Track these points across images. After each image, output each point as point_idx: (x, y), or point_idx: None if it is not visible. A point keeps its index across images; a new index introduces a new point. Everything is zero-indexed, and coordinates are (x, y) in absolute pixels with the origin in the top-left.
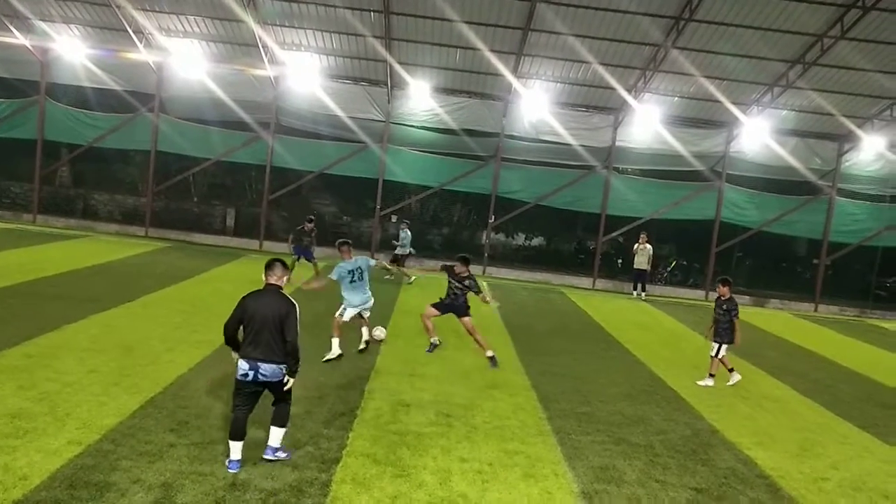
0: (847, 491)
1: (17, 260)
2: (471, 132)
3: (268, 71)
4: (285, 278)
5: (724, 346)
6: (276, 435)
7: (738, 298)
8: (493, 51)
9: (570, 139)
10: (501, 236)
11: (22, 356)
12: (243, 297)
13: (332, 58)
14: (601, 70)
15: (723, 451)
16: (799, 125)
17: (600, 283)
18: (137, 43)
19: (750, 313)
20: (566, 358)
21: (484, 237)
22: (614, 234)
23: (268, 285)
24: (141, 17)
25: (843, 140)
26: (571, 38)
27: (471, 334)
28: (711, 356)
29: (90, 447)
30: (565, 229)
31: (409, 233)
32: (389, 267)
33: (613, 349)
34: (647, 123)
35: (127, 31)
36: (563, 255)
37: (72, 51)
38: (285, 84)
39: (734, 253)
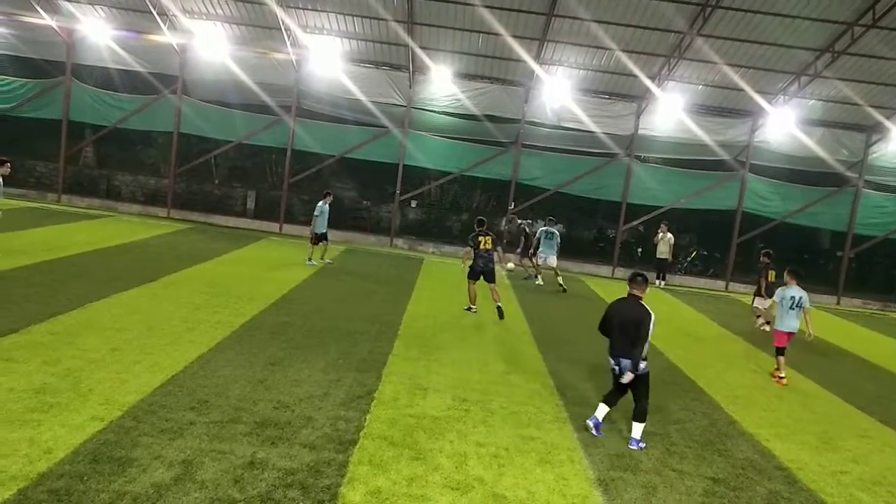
0: (867, 485)
1: (42, 238)
2: (492, 118)
3: (290, 54)
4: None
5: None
6: (637, 429)
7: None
8: (515, 36)
9: (592, 126)
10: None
11: (47, 333)
12: (611, 304)
13: (355, 41)
14: (624, 57)
15: (740, 441)
16: (826, 115)
17: (620, 272)
18: (161, 25)
19: (771, 306)
20: (584, 346)
21: (503, 223)
22: (635, 222)
23: (632, 296)
24: None
25: (871, 131)
26: (595, 24)
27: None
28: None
29: (112, 423)
30: (585, 217)
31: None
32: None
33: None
34: (670, 112)
35: (151, 12)
36: (583, 243)
37: (97, 32)
38: (307, 67)
39: (756, 244)
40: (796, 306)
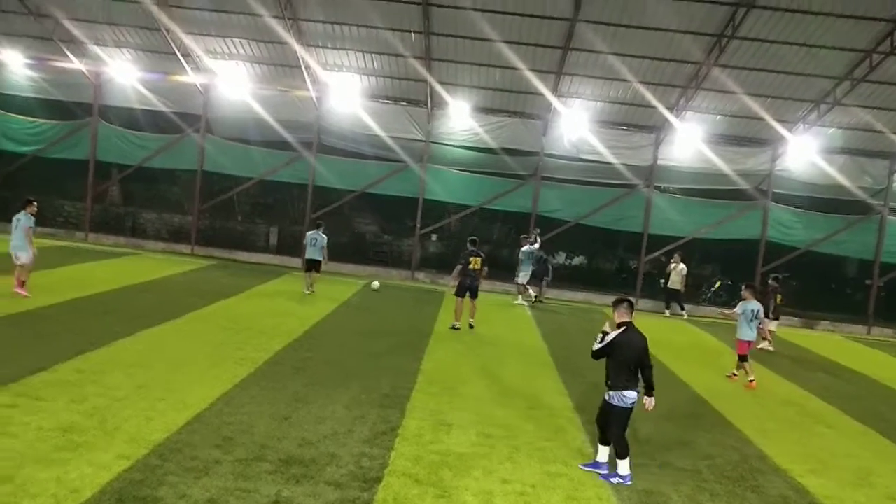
0: None
1: (69, 276)
2: (510, 151)
3: (310, 91)
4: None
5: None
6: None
7: (787, 320)
8: (532, 70)
9: (610, 158)
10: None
11: (73, 371)
12: (616, 337)
13: (374, 78)
14: (641, 89)
15: (773, 477)
16: (848, 143)
17: (642, 304)
18: (185, 65)
19: (799, 335)
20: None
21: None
22: (656, 253)
23: (627, 323)
24: (189, 41)
25: (895, 157)
26: (611, 56)
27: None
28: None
29: (138, 461)
30: (606, 248)
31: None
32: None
33: (657, 370)
34: (689, 142)
35: (175, 54)
36: (605, 275)
37: (123, 74)
38: (327, 104)
39: (781, 273)
40: (755, 318)
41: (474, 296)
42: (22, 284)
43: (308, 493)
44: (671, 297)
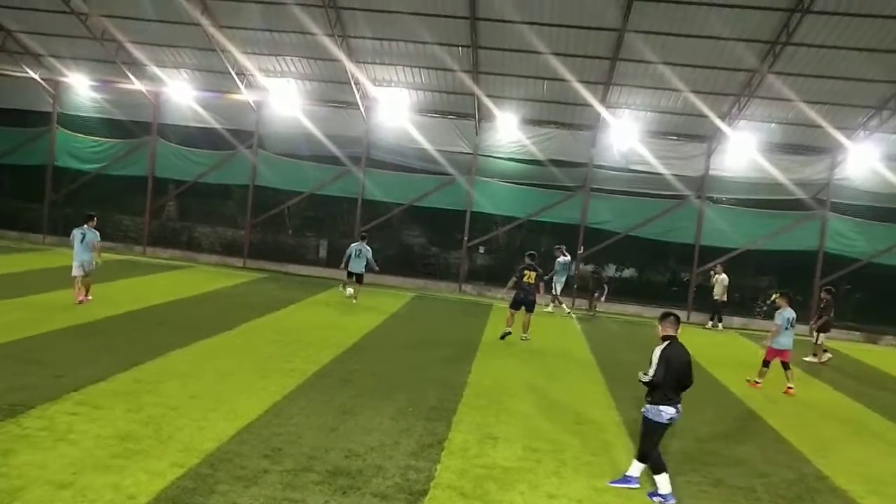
0: None
1: (127, 289)
2: (558, 163)
3: (359, 107)
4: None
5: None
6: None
7: (848, 334)
8: (580, 81)
9: (661, 168)
10: (591, 268)
11: (131, 381)
12: (663, 351)
13: (422, 92)
14: (693, 98)
15: (832, 498)
16: None
17: (695, 317)
18: (239, 84)
19: (861, 350)
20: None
21: (573, 269)
22: (709, 265)
23: (672, 337)
24: (243, 60)
25: None
26: (661, 66)
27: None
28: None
29: (191, 470)
30: (657, 260)
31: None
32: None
33: (709, 385)
34: (742, 151)
35: (230, 73)
36: (656, 287)
37: (180, 93)
38: (376, 119)
39: (842, 286)
40: (791, 326)
41: (529, 309)
42: (86, 292)
43: None
44: (716, 309)
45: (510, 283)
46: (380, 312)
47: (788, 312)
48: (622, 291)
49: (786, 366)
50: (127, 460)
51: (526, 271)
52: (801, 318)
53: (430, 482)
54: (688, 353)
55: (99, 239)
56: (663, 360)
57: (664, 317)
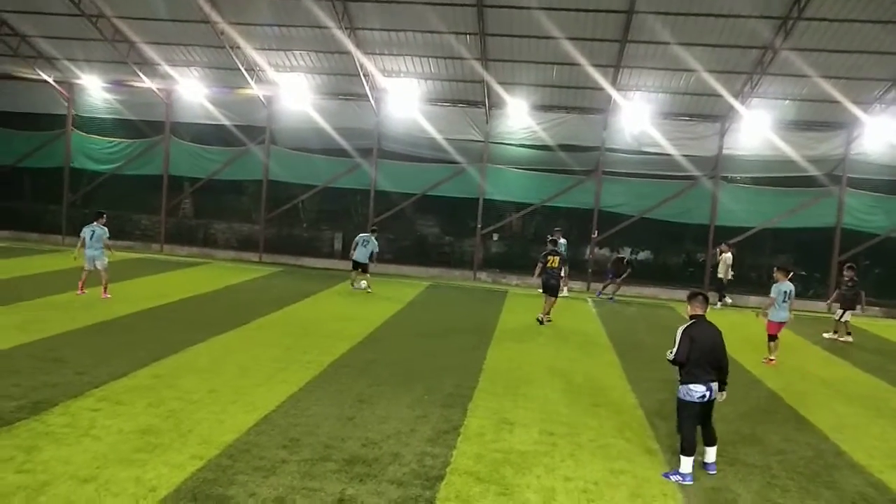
0: None
1: (146, 286)
2: (570, 147)
3: (370, 98)
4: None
5: (849, 312)
6: (712, 453)
7: (868, 310)
8: (590, 65)
9: (674, 149)
10: (606, 251)
11: (151, 376)
12: (686, 329)
13: (431, 82)
14: (705, 77)
15: (850, 473)
16: None
17: (711, 298)
18: (249, 80)
19: (881, 326)
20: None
21: (587, 252)
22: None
23: (699, 316)
24: (253, 55)
25: None
26: (671, 46)
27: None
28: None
29: (210, 462)
30: (673, 242)
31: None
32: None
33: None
34: (756, 129)
35: (240, 69)
36: (672, 269)
37: (192, 91)
38: (386, 110)
39: (860, 261)
40: (788, 299)
41: (553, 294)
42: (104, 290)
43: (371, 491)
44: (720, 288)
45: (537, 271)
46: (395, 302)
47: (785, 286)
48: (638, 274)
49: (772, 338)
50: (148, 454)
51: (549, 256)
52: (822, 295)
53: (447, 468)
54: (717, 332)
55: (108, 236)
56: (686, 338)
57: (692, 296)
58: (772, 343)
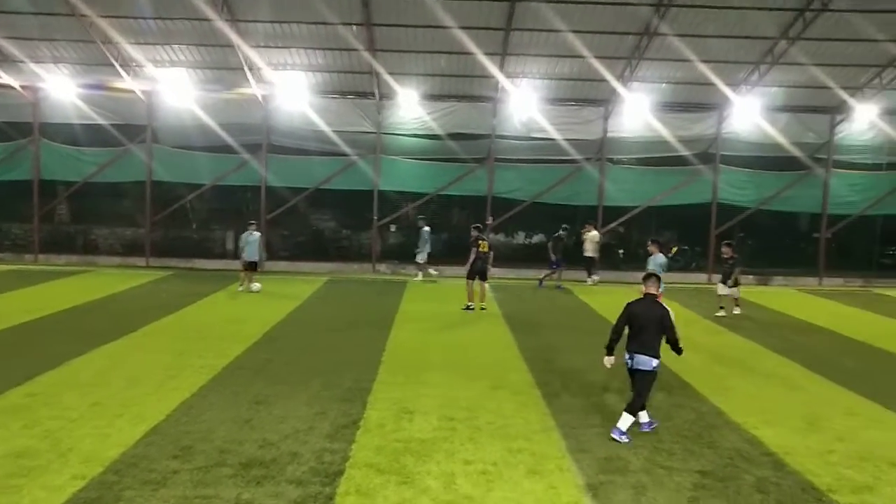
0: (853, 462)
1: (19, 300)
2: (462, 136)
3: (257, 93)
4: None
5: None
6: (625, 419)
7: (743, 278)
8: (477, 53)
9: (561, 134)
10: (501, 236)
11: (25, 395)
12: (628, 305)
13: (320, 74)
14: (587, 62)
15: (728, 432)
16: (789, 101)
17: (604, 275)
18: (125, 76)
19: (754, 292)
20: (570, 353)
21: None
22: (612, 224)
23: (647, 294)
24: (128, 50)
25: (835, 112)
26: (553, 33)
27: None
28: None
29: (94, 480)
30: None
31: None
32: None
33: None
34: (637, 112)
35: (114, 65)
36: (566, 251)
37: (62, 90)
38: (275, 104)
39: (735, 233)
40: (663, 271)
41: (483, 278)
42: None
43: (269, 493)
44: (588, 265)
45: (471, 257)
46: (292, 299)
47: (660, 258)
48: (533, 257)
49: None
50: (23, 478)
51: (480, 241)
52: (703, 268)
53: (346, 462)
54: (662, 308)
55: None
56: (625, 313)
57: (645, 278)
58: None
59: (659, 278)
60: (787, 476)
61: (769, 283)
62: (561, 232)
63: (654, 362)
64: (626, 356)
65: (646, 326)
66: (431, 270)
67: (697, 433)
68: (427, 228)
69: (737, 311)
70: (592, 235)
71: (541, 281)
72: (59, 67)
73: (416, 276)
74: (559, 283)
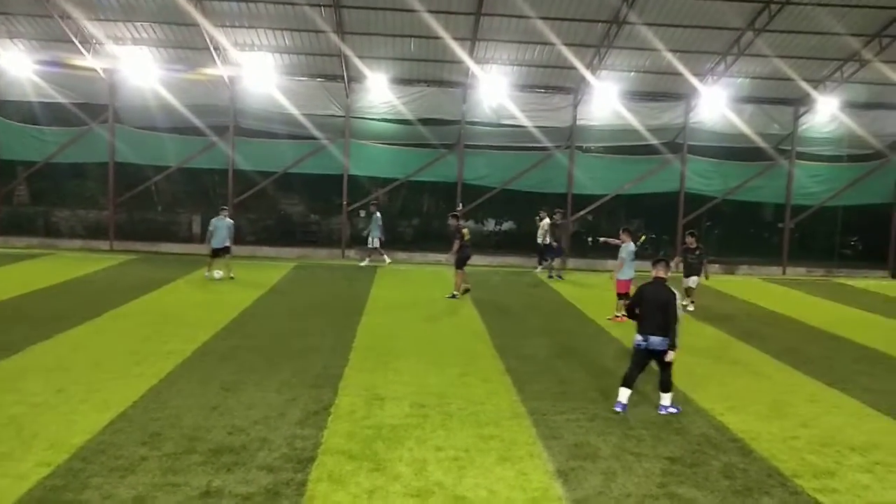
0: (816, 447)
1: None
2: (432, 121)
3: (223, 74)
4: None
5: (695, 280)
6: (666, 398)
7: (709, 267)
8: (447, 38)
9: (531, 121)
10: (471, 223)
11: None
12: (640, 288)
13: (287, 56)
14: (557, 49)
15: (696, 418)
16: (754, 92)
17: (572, 263)
18: (85, 53)
19: (720, 281)
20: (540, 339)
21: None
22: (582, 212)
23: (657, 278)
24: (89, 27)
25: (798, 104)
26: (523, 20)
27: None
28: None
29: (59, 467)
30: (535, 212)
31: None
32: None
33: (588, 327)
34: (606, 101)
35: (73, 41)
36: (534, 239)
37: (18, 66)
38: (242, 86)
39: (702, 223)
40: (634, 259)
41: (461, 266)
42: None
43: (240, 479)
44: (539, 253)
45: (455, 246)
46: (260, 286)
47: (631, 246)
48: (503, 244)
49: (623, 296)
50: None
51: (464, 230)
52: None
53: (318, 448)
54: (669, 293)
55: None
56: (637, 295)
57: (655, 262)
58: (621, 301)
59: (668, 263)
60: (753, 462)
61: (734, 271)
62: (556, 217)
63: (668, 342)
64: (641, 338)
65: (655, 309)
66: (385, 258)
67: (666, 420)
68: (378, 214)
69: (690, 308)
70: (545, 223)
71: (550, 273)
72: (14, 43)
73: (364, 260)
74: (560, 272)
